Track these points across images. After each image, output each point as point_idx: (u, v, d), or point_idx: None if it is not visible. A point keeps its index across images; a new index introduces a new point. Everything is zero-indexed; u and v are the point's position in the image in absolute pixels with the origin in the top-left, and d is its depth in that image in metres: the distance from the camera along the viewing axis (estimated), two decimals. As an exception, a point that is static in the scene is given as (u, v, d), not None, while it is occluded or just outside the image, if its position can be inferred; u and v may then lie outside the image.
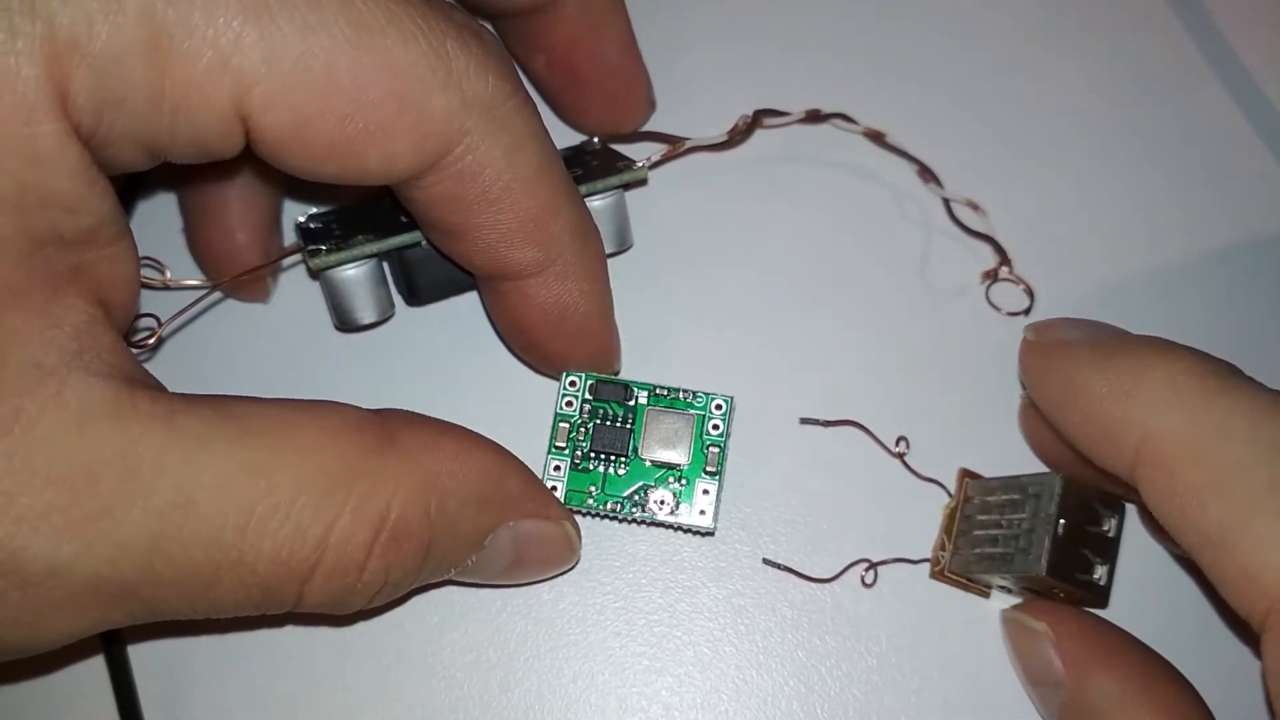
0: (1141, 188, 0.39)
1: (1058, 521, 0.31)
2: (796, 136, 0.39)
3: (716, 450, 0.33)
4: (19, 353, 0.24)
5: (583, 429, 0.33)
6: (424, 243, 0.33)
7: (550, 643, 0.34)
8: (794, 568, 0.35)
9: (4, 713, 0.33)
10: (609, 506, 0.33)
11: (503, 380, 0.36)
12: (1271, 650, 0.27)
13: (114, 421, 0.25)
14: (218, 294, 0.36)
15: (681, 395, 0.33)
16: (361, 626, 0.34)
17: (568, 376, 0.34)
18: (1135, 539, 0.35)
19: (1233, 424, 0.28)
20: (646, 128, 0.38)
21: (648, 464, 0.33)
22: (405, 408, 0.30)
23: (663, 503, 0.33)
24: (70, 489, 0.24)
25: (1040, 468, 0.36)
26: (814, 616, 0.35)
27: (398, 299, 0.35)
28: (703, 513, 0.33)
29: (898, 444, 0.36)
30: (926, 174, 0.38)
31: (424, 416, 0.30)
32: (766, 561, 0.35)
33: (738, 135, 0.38)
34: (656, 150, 0.37)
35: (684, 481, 0.33)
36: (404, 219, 0.33)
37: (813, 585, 0.35)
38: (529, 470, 0.31)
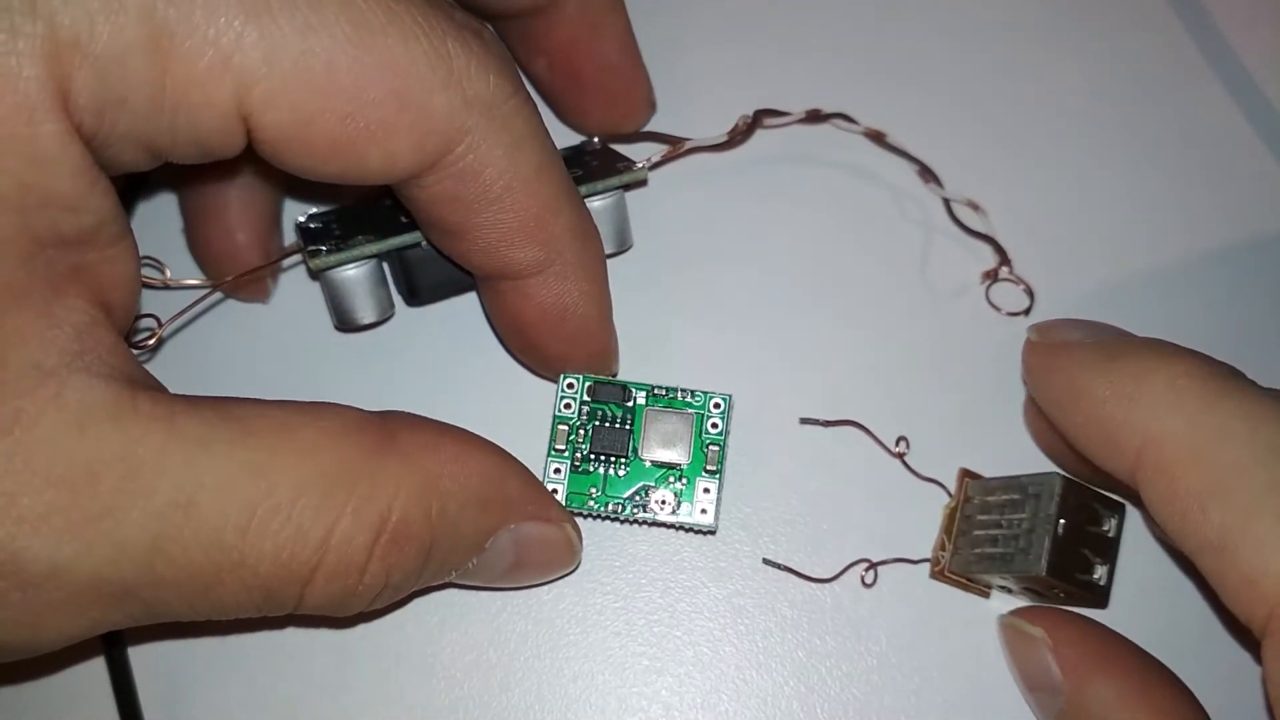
0: (1141, 188, 0.39)
1: (1058, 521, 0.31)
2: (797, 137, 0.39)
3: (716, 449, 0.33)
4: (19, 353, 0.24)
5: (582, 431, 0.33)
6: (424, 243, 0.33)
7: (550, 643, 0.34)
8: (794, 568, 0.35)
9: (4, 714, 0.33)
10: (610, 508, 0.33)
11: (502, 381, 0.36)
12: (1272, 656, 0.27)
13: (114, 422, 0.25)
14: (218, 294, 0.36)
15: (680, 395, 0.33)
16: (361, 628, 0.34)
17: (565, 378, 0.33)
18: (1135, 539, 0.35)
19: (1234, 428, 0.28)
20: (647, 128, 0.38)
21: (648, 464, 0.33)
22: (405, 408, 0.30)
23: (664, 503, 0.33)
24: (71, 490, 0.24)
25: (1041, 468, 0.36)
26: (814, 616, 0.35)
27: (397, 299, 0.35)
28: (704, 511, 0.33)
29: (898, 444, 0.36)
30: (927, 174, 0.38)
31: (425, 418, 0.30)
32: (766, 561, 0.35)
33: (738, 135, 0.38)
34: (657, 150, 0.37)
35: (684, 481, 0.33)
36: (404, 219, 0.33)
37: (813, 585, 0.35)
38: (530, 473, 0.31)
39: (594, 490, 0.33)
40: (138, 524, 0.25)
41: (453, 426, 0.30)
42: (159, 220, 0.37)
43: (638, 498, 0.33)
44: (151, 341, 0.33)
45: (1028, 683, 0.33)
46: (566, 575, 0.34)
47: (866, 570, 0.35)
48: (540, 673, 0.34)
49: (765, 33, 0.41)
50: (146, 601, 0.26)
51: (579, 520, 0.33)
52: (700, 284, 0.38)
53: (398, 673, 0.34)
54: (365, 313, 0.34)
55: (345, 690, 0.34)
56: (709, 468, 0.33)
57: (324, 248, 0.33)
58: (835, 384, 0.37)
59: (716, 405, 0.33)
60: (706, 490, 0.33)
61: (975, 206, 0.38)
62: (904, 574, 0.35)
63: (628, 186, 0.35)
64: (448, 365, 0.37)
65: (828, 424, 0.36)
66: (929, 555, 0.35)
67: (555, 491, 0.33)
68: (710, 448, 0.33)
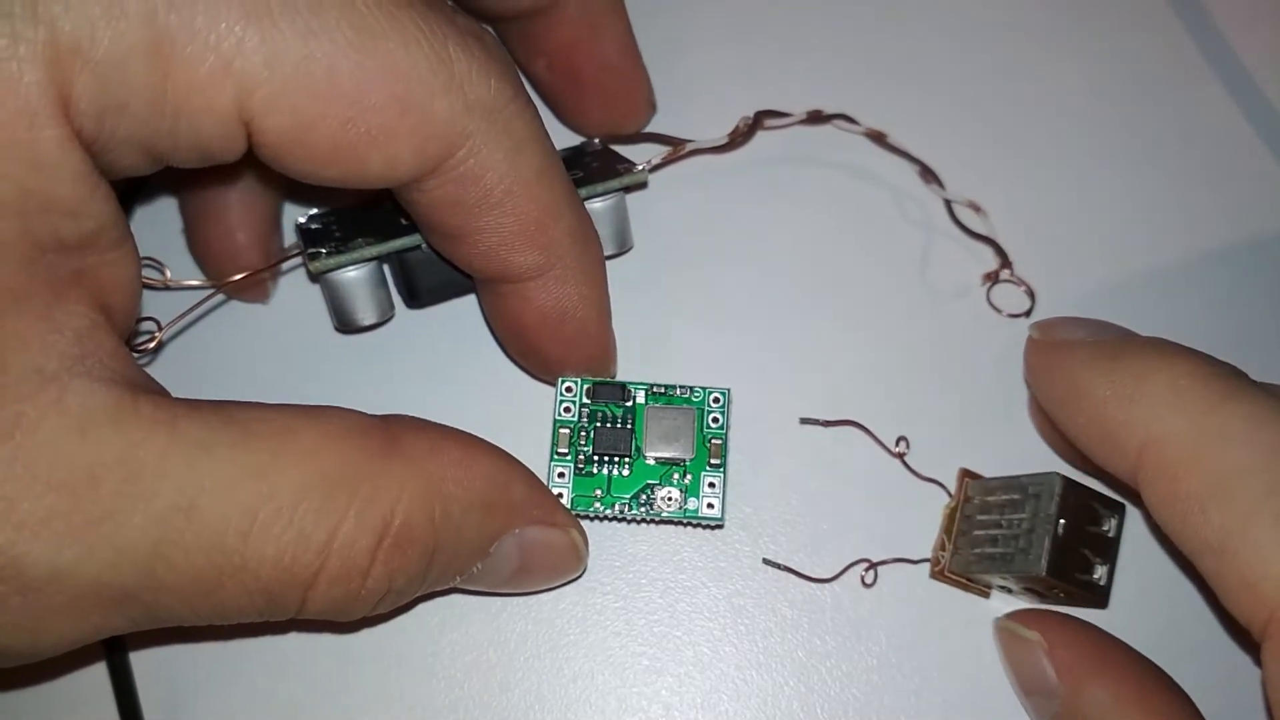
0: (1142, 188, 0.39)
1: (1058, 521, 0.31)
2: (798, 138, 0.39)
3: (719, 442, 0.33)
4: (20, 358, 0.24)
5: (583, 433, 0.33)
6: (424, 245, 0.33)
7: (550, 643, 0.34)
8: (794, 568, 0.35)
9: (6, 719, 0.33)
10: (616, 508, 0.33)
11: (503, 384, 0.36)
12: (1272, 658, 0.27)
13: (115, 426, 0.25)
14: (218, 296, 0.36)
15: (679, 391, 0.33)
16: (362, 629, 0.34)
17: (564, 382, 0.33)
18: (1135, 540, 0.35)
19: (1235, 429, 0.28)
20: (647, 129, 0.38)
21: (651, 462, 0.33)
22: (406, 411, 0.30)
23: (670, 499, 0.33)
24: (71, 494, 0.24)
25: (1042, 468, 0.35)
26: (814, 616, 0.35)
27: (397, 301, 0.35)
28: (711, 505, 0.33)
29: (898, 444, 0.36)
30: (928, 175, 0.38)
31: (428, 421, 0.30)
32: (766, 561, 0.35)
33: (739, 137, 0.38)
34: (657, 152, 0.37)
35: (689, 476, 0.33)
36: (404, 221, 0.33)
37: (813, 585, 0.35)
38: (534, 476, 0.31)
39: (599, 492, 0.33)
40: (139, 528, 0.25)
41: (456, 430, 0.30)
42: (159, 222, 0.37)
43: (643, 496, 0.33)
44: (152, 345, 0.33)
45: (1023, 686, 0.33)
46: (572, 581, 0.34)
47: (866, 570, 0.35)
48: (540, 673, 0.34)
49: (766, 33, 0.40)
50: (148, 606, 0.26)
51: (585, 523, 0.33)
52: (701, 285, 0.38)
53: (398, 673, 0.34)
54: (365, 314, 0.34)
55: (346, 691, 0.34)
56: (713, 461, 0.33)
57: (324, 250, 0.33)
58: (835, 384, 0.37)
59: (716, 400, 0.33)
60: (712, 484, 0.33)
61: (976, 208, 0.38)
62: (904, 574, 0.35)
63: (628, 188, 0.35)
64: (448, 368, 0.36)
65: (828, 424, 0.36)
66: (929, 555, 0.35)
67: (560, 495, 0.33)
68: (713, 442, 0.33)
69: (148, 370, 0.28)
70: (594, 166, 0.36)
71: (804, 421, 0.36)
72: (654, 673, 0.34)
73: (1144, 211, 0.39)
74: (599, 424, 0.33)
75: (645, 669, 0.34)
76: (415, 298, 0.34)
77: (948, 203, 0.38)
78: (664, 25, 0.40)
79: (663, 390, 0.33)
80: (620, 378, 0.34)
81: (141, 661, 0.33)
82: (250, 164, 0.27)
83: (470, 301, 0.36)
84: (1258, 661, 0.28)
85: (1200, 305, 0.38)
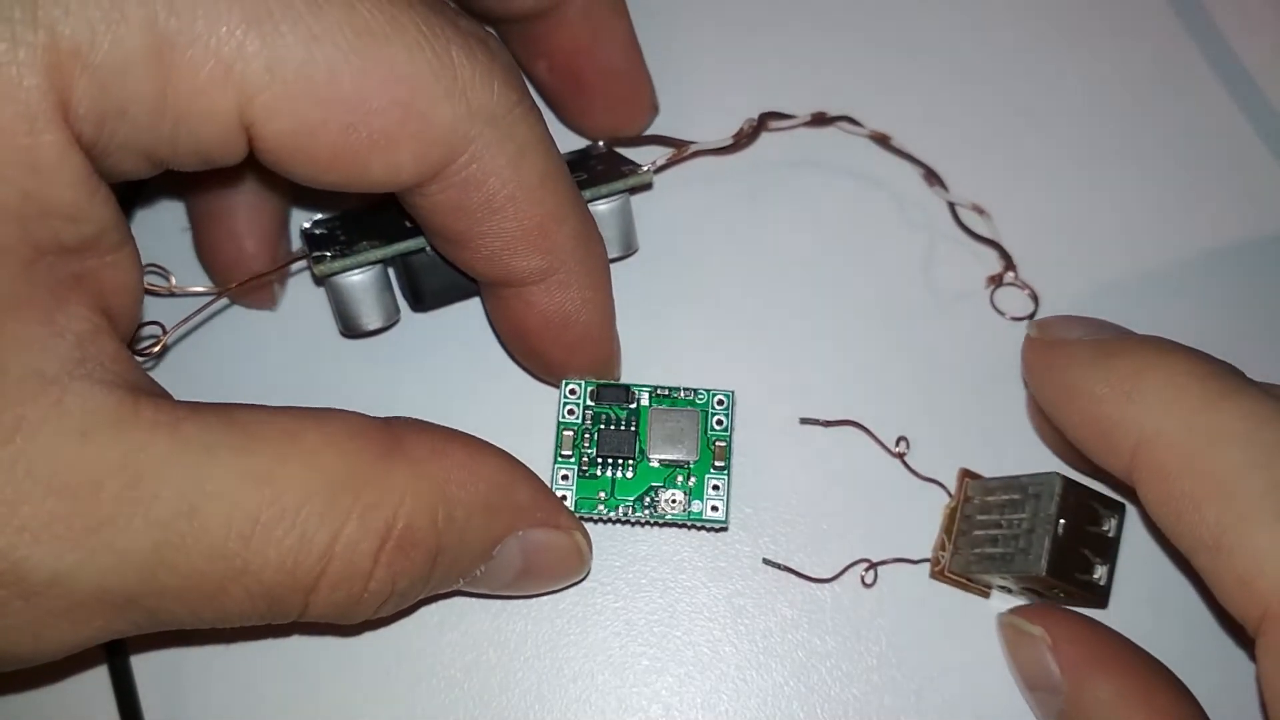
0: (1144, 190, 0.39)
1: (1058, 521, 0.31)
2: (802, 140, 0.39)
3: (723, 444, 0.33)
4: (21, 361, 0.24)
5: (587, 435, 0.33)
6: (428, 249, 0.33)
7: (550, 643, 0.34)
8: (794, 567, 0.35)
9: (7, 722, 0.33)
10: (620, 511, 0.33)
11: (508, 386, 0.36)
12: (1266, 654, 0.27)
13: (117, 430, 0.24)
14: (223, 301, 0.36)
15: (683, 393, 0.33)
16: (364, 630, 0.34)
17: (568, 384, 0.33)
18: (1135, 540, 0.35)
19: (1231, 428, 0.28)
20: (649, 131, 0.38)
21: (655, 464, 0.33)
22: (410, 414, 0.30)
23: (674, 501, 0.33)
24: (73, 498, 0.24)
25: (1042, 468, 0.36)
26: (814, 616, 0.35)
27: (403, 305, 0.35)
28: (715, 508, 0.33)
29: (898, 444, 0.36)
30: (932, 178, 0.38)
31: (431, 424, 0.30)
32: (766, 562, 0.35)
33: (743, 139, 0.38)
34: (661, 154, 0.37)
35: (693, 478, 0.33)
36: (409, 225, 0.33)
37: (812, 585, 0.35)
38: (538, 479, 0.31)
39: (603, 494, 0.33)
40: (140, 532, 0.24)
41: (460, 432, 0.30)
42: (159, 225, 0.37)
43: (647, 498, 0.33)
44: (156, 348, 0.33)
45: (1027, 682, 0.33)
46: (576, 584, 0.34)
47: (866, 570, 0.35)
48: (540, 673, 0.34)
49: (769, 35, 0.40)
50: (149, 610, 0.26)
51: (590, 525, 0.33)
52: (703, 286, 0.38)
53: (398, 673, 0.34)
54: (370, 319, 0.34)
55: (346, 692, 0.34)
56: (717, 464, 0.33)
57: (328, 254, 0.33)
58: (837, 385, 0.37)
59: (720, 402, 0.33)
60: (716, 486, 0.33)
61: (980, 210, 0.38)
62: (904, 574, 0.35)
63: (633, 190, 0.35)
64: (452, 370, 0.36)
65: (828, 424, 0.36)
66: (929, 555, 0.35)
67: (564, 498, 0.32)
68: (716, 444, 0.33)
69: (152, 374, 0.27)
70: (599, 169, 0.36)
71: (804, 421, 0.36)
72: (654, 673, 0.34)
73: (1146, 213, 0.39)
74: (603, 426, 0.33)
75: (645, 669, 0.34)
76: (420, 301, 0.34)
77: (952, 205, 0.38)
78: (666, 27, 0.39)
79: (666, 392, 0.33)
80: (623, 379, 0.34)
81: (143, 664, 0.33)
82: (256, 168, 0.27)
83: (475, 305, 0.36)
84: (1253, 658, 0.28)
85: (1202, 306, 0.38)
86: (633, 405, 0.33)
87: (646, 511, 0.33)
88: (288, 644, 0.34)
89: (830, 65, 0.40)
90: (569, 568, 0.33)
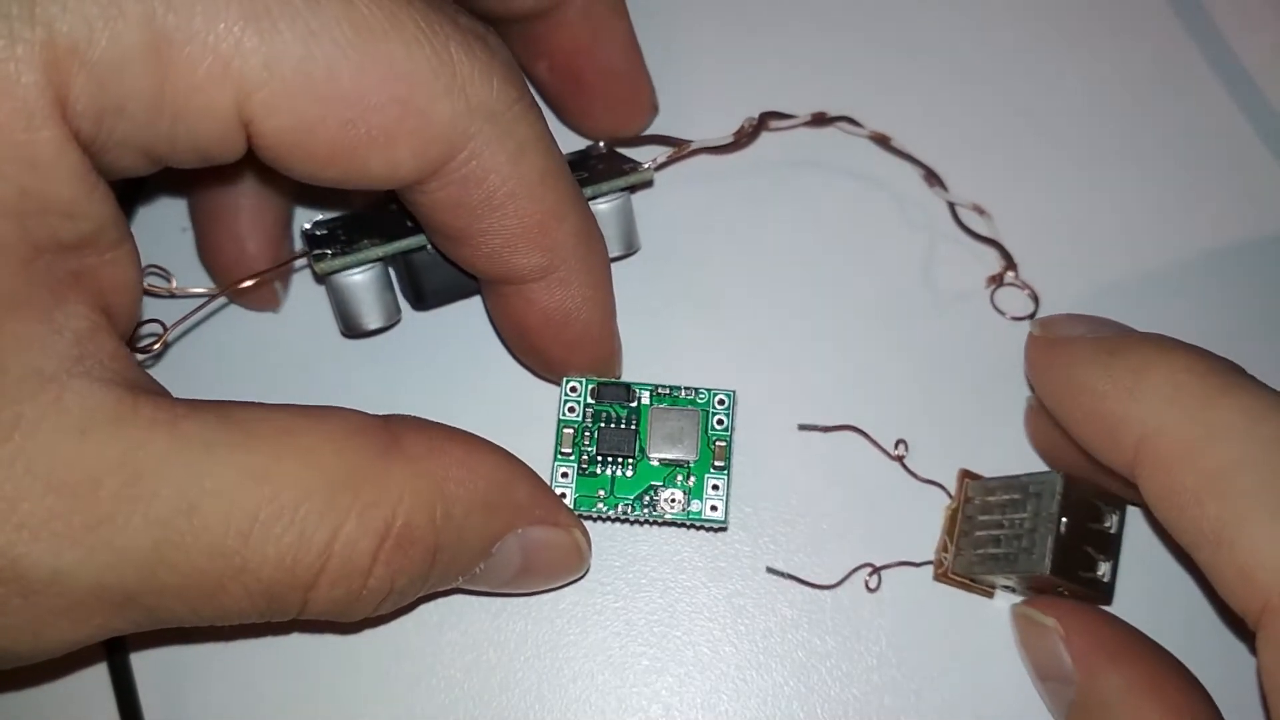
0: (1145, 191, 0.39)
1: (1060, 520, 0.31)
2: (802, 140, 0.39)
3: (723, 444, 0.33)
4: (19, 359, 0.24)
5: (587, 433, 0.33)
6: (429, 247, 0.33)
7: (550, 643, 0.34)
8: (796, 571, 0.35)
9: (6, 720, 0.33)
10: (619, 509, 0.33)
11: (508, 385, 0.36)
12: (1266, 647, 0.27)
13: (116, 427, 0.24)
14: (223, 299, 0.36)
15: (684, 393, 0.33)
16: (363, 628, 0.34)
17: (568, 382, 0.33)
18: (1137, 537, 0.35)
19: (1232, 422, 0.28)
20: (649, 131, 0.38)
21: (655, 463, 0.33)
22: (411, 412, 0.30)
23: (673, 501, 0.33)
24: (72, 495, 0.24)
25: (1041, 468, 0.36)
26: (814, 616, 0.35)
27: (403, 306, 0.35)
28: (714, 507, 0.33)
29: (896, 446, 0.36)
30: (932, 178, 0.38)
31: (430, 422, 0.30)
32: (770, 570, 0.35)
33: (744, 137, 0.38)
34: (662, 153, 0.37)
35: (693, 478, 0.33)
36: (410, 224, 0.33)
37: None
38: (537, 476, 0.31)
39: (602, 492, 0.33)
40: (139, 530, 0.24)
41: (459, 430, 0.30)
42: (159, 225, 0.37)
43: (646, 497, 0.33)
44: (157, 346, 0.33)
45: (1039, 672, 0.33)
46: (575, 581, 0.34)
47: (870, 575, 0.35)
48: (540, 673, 0.34)
49: (769, 36, 0.40)
50: (149, 607, 0.26)
51: (589, 524, 0.33)
52: (704, 286, 0.38)
53: (398, 673, 0.34)
54: (371, 318, 0.34)
55: (346, 691, 0.34)
56: (717, 464, 0.33)
57: (329, 251, 0.33)
58: (837, 386, 0.37)
59: (721, 402, 0.33)
60: (715, 486, 0.33)
61: (981, 211, 0.38)
62: (906, 575, 0.35)
63: (633, 188, 0.35)
64: (453, 369, 0.36)
65: (826, 429, 0.36)
66: (932, 557, 0.35)
67: (563, 495, 0.32)
68: (717, 444, 0.33)
69: (153, 374, 0.27)
70: (599, 169, 0.36)
71: (802, 428, 0.36)
72: (654, 673, 0.34)
73: (1146, 213, 0.39)
74: (603, 424, 0.33)
75: (645, 669, 0.34)
76: (421, 300, 0.34)
77: (952, 206, 0.38)
78: (666, 27, 0.39)
79: (667, 391, 0.33)
80: (623, 378, 0.34)
81: (142, 662, 0.33)
82: (259, 171, 0.27)
83: (474, 304, 0.36)
84: (1254, 651, 0.28)
85: (1202, 306, 0.38)
86: (633, 404, 0.33)
87: (646, 510, 0.33)
88: (287, 643, 0.34)
89: (830, 65, 0.40)
90: (568, 565, 0.33)
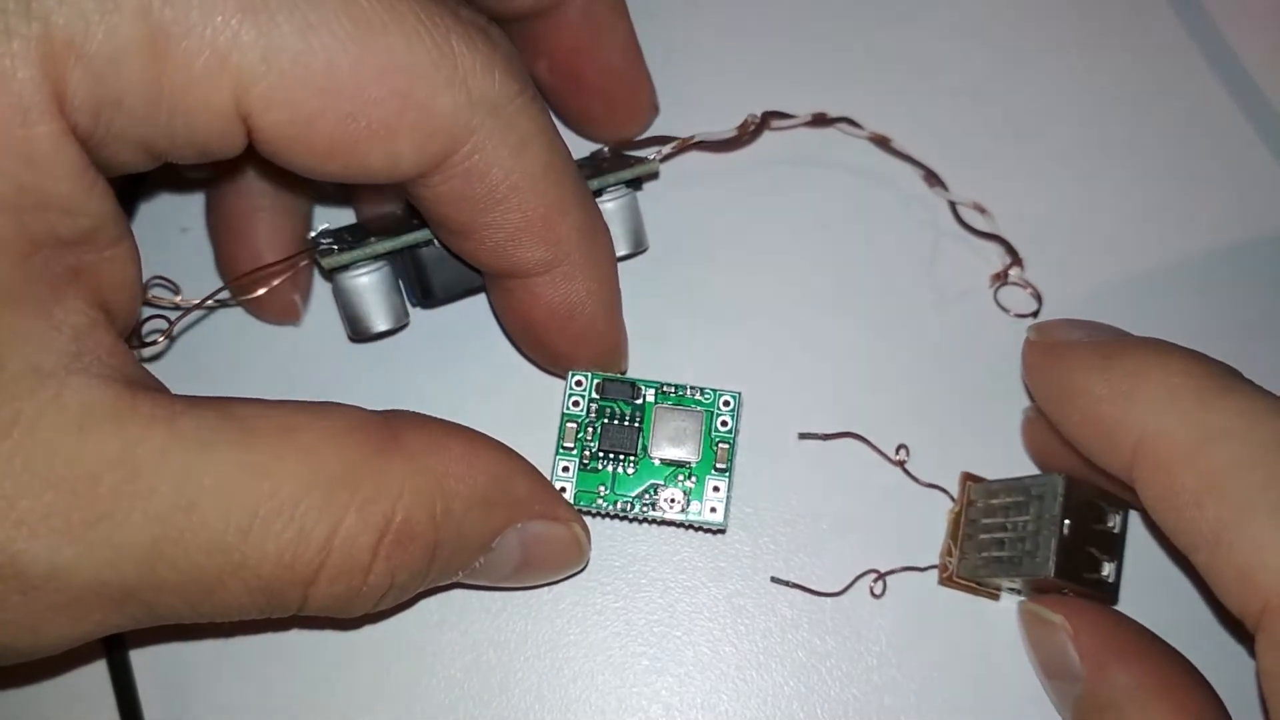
0: (1143, 190, 0.39)
1: (1062, 522, 0.31)
2: (802, 140, 0.39)
3: (726, 447, 0.33)
4: (18, 355, 0.24)
5: (590, 428, 0.33)
6: (435, 242, 0.33)
7: (550, 643, 0.34)
8: (799, 574, 0.35)
9: (6, 718, 0.33)
10: (619, 506, 0.33)
11: (512, 379, 0.36)
12: (1265, 650, 0.27)
13: (114, 424, 0.24)
14: (224, 294, 0.36)
15: (689, 392, 0.33)
16: (362, 628, 0.34)
17: (574, 376, 0.33)
18: (1139, 538, 0.35)
19: (1229, 425, 0.28)
20: (650, 132, 0.38)
21: (657, 462, 0.33)
22: (414, 407, 0.30)
23: (673, 501, 0.33)
24: (70, 492, 0.24)
25: (1043, 468, 0.36)
26: (814, 616, 0.35)
27: (412, 310, 0.35)
28: (714, 510, 0.33)
29: (897, 452, 0.36)
30: (932, 179, 0.38)
31: (430, 417, 0.30)
32: (775, 580, 0.35)
33: (746, 132, 0.38)
34: (666, 148, 0.37)
35: (694, 479, 0.33)
36: (415, 222, 0.33)
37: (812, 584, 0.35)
38: (537, 471, 0.31)
39: (603, 489, 0.33)
40: (138, 526, 0.24)
41: (459, 425, 0.30)
42: (160, 224, 0.37)
43: (647, 496, 0.33)
44: (161, 340, 0.33)
45: (1046, 670, 0.33)
46: (575, 575, 0.34)
47: (875, 581, 0.35)
48: (540, 673, 0.34)
49: (769, 37, 0.40)
50: (148, 604, 0.25)
51: (588, 519, 0.33)
52: (706, 286, 0.38)
53: (398, 672, 0.34)
54: (379, 320, 0.34)
55: (346, 690, 0.34)
56: (718, 466, 0.33)
57: (336, 247, 0.33)
58: (840, 387, 0.37)
59: (726, 403, 0.33)
60: (716, 489, 0.33)
61: (982, 210, 0.38)
62: (909, 577, 0.35)
63: (640, 181, 0.35)
64: (456, 362, 0.36)
65: (826, 437, 0.36)
66: (936, 561, 0.35)
67: (563, 490, 0.32)
68: (720, 445, 0.33)
69: (158, 373, 0.27)
70: (605, 168, 0.36)
71: (803, 436, 0.36)
72: (654, 673, 0.34)
73: (1146, 212, 0.39)
74: (607, 420, 0.33)
75: (645, 669, 0.34)
76: (428, 295, 0.34)
77: (953, 205, 0.38)
78: (666, 27, 0.40)
79: (673, 390, 0.33)
80: (628, 374, 0.34)
81: (142, 659, 0.33)
82: (275, 184, 0.27)
83: (477, 303, 0.36)
84: (1254, 654, 0.27)
85: (1203, 305, 0.38)
86: (638, 401, 0.33)
87: (645, 509, 0.33)
88: (288, 642, 0.34)
89: (830, 66, 0.40)
90: (568, 559, 0.33)
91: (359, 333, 0.34)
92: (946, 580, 0.35)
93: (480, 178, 0.28)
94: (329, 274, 0.34)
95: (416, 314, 0.36)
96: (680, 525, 0.34)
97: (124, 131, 0.25)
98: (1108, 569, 0.32)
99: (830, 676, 0.34)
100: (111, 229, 0.25)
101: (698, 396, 0.33)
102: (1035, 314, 0.38)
